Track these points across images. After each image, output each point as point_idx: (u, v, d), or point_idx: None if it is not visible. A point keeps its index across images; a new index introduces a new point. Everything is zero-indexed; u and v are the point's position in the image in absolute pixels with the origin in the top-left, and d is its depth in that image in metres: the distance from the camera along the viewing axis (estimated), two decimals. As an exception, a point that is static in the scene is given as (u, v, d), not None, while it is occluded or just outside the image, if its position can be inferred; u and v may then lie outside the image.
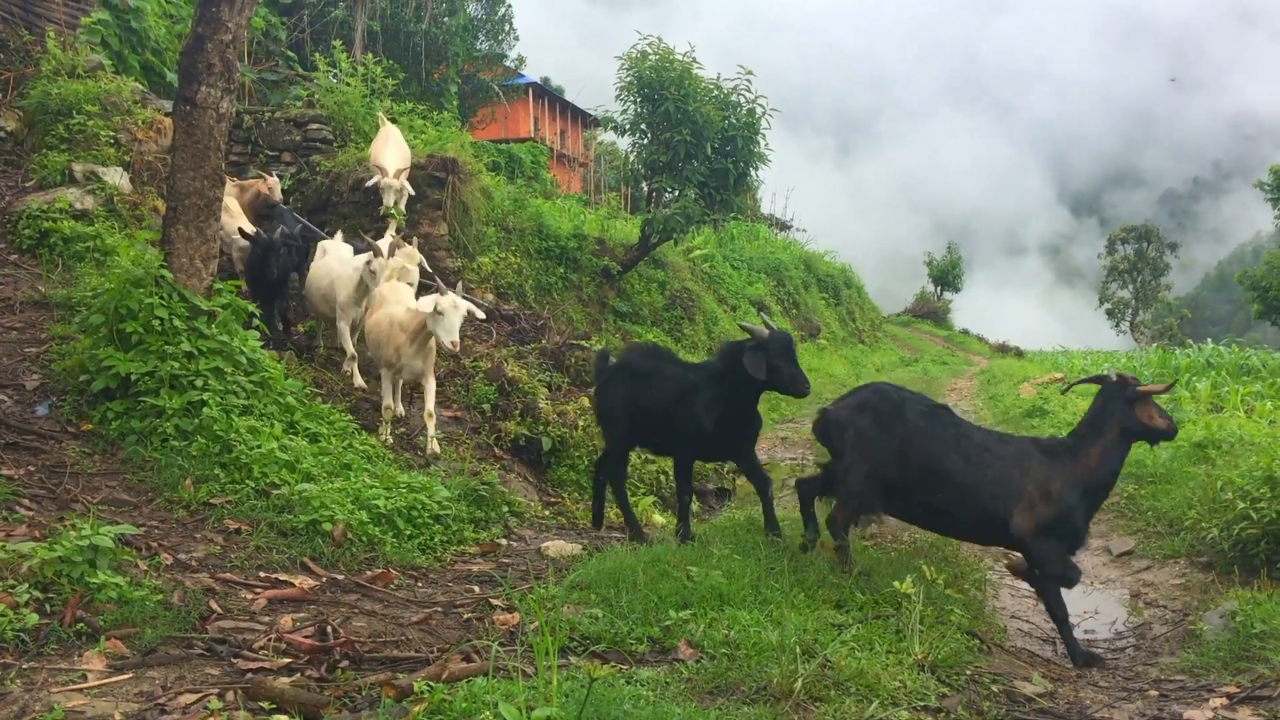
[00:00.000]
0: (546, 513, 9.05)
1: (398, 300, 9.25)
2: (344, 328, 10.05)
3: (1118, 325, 71.35)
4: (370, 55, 16.92)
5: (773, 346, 6.87)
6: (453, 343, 8.44)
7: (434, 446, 9.08)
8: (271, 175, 12.96)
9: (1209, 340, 35.03)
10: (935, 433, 6.38)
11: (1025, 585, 7.32)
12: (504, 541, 7.68)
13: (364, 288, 9.76)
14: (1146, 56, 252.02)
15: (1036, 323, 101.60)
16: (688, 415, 7.26)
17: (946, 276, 55.66)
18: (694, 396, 7.26)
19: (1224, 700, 5.05)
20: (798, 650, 4.67)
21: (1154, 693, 5.37)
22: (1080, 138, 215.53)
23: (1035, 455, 6.29)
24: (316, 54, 16.68)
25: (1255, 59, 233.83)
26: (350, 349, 10.11)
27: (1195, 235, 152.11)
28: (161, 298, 7.44)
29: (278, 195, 12.66)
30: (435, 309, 8.51)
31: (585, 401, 11.20)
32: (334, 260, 10.34)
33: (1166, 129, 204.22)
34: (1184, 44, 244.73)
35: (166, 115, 11.27)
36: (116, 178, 11.09)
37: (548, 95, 42.09)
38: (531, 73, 39.15)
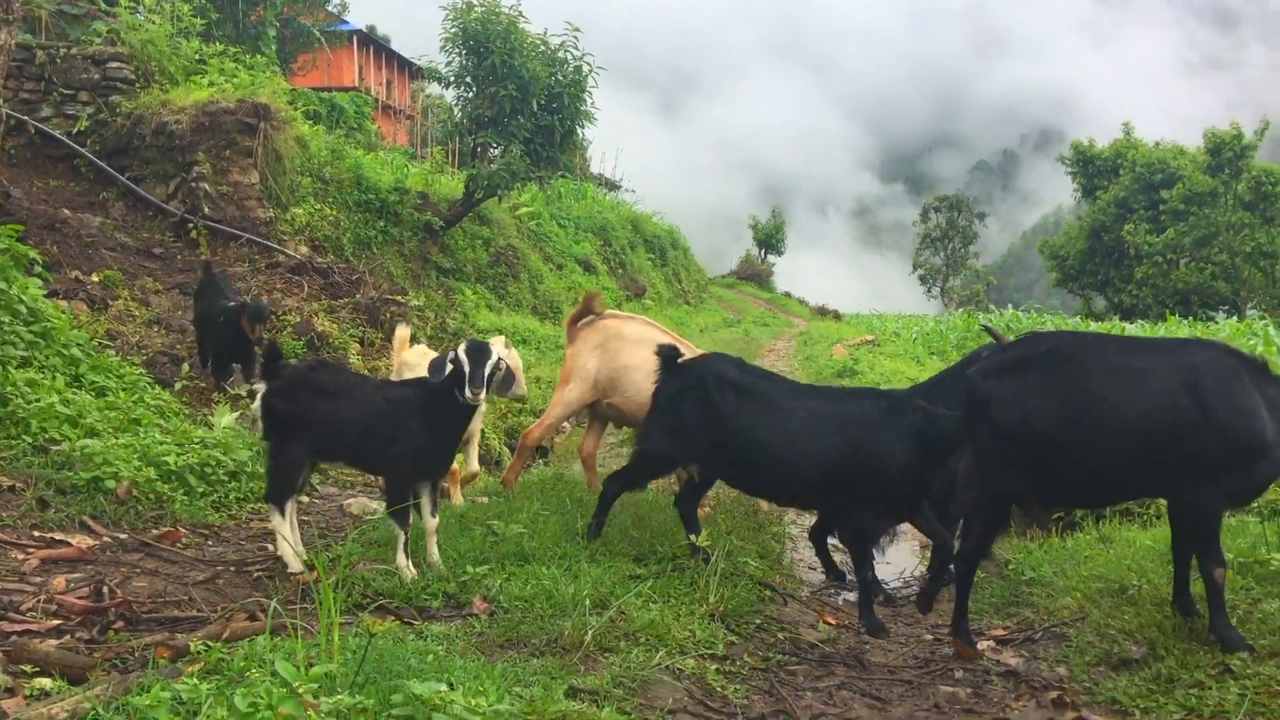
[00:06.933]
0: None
1: None
2: None
3: (929, 290, 74.45)
4: (180, -9, 16.02)
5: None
6: None
7: None
8: None
9: (1010, 306, 36.94)
10: None
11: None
12: (305, 498, 7.51)
13: None
14: (957, 28, 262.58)
15: (845, 284, 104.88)
16: None
17: (770, 239, 56.82)
18: None
19: (991, 643, 5.38)
20: (588, 603, 4.74)
21: (929, 637, 5.67)
22: (896, 105, 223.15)
23: None
24: (120, -13, 15.70)
25: (1063, 34, 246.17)
26: None
27: (1005, 205, 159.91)
28: (-71, 241, 6.94)
29: None
30: None
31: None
32: None
33: (980, 100, 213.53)
34: (994, 17, 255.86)
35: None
36: (-116, 111, 10.23)
37: (373, 44, 40.79)
38: (356, 19, 37.85)
